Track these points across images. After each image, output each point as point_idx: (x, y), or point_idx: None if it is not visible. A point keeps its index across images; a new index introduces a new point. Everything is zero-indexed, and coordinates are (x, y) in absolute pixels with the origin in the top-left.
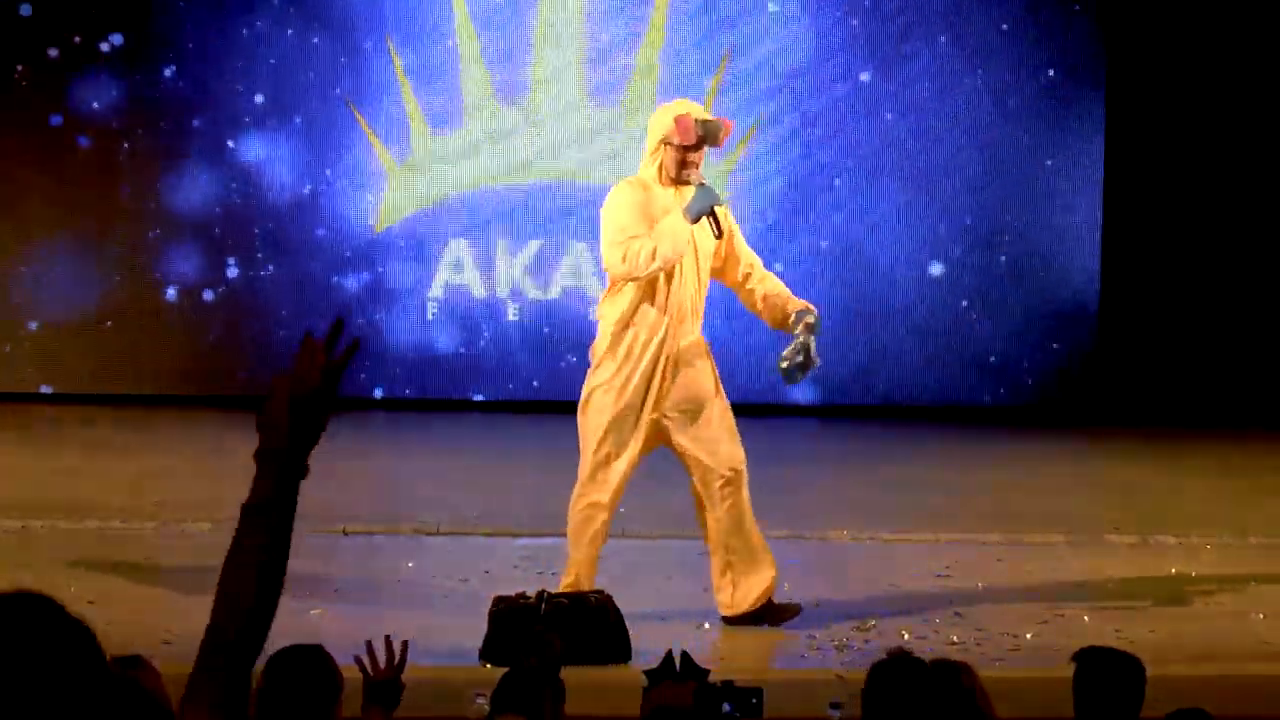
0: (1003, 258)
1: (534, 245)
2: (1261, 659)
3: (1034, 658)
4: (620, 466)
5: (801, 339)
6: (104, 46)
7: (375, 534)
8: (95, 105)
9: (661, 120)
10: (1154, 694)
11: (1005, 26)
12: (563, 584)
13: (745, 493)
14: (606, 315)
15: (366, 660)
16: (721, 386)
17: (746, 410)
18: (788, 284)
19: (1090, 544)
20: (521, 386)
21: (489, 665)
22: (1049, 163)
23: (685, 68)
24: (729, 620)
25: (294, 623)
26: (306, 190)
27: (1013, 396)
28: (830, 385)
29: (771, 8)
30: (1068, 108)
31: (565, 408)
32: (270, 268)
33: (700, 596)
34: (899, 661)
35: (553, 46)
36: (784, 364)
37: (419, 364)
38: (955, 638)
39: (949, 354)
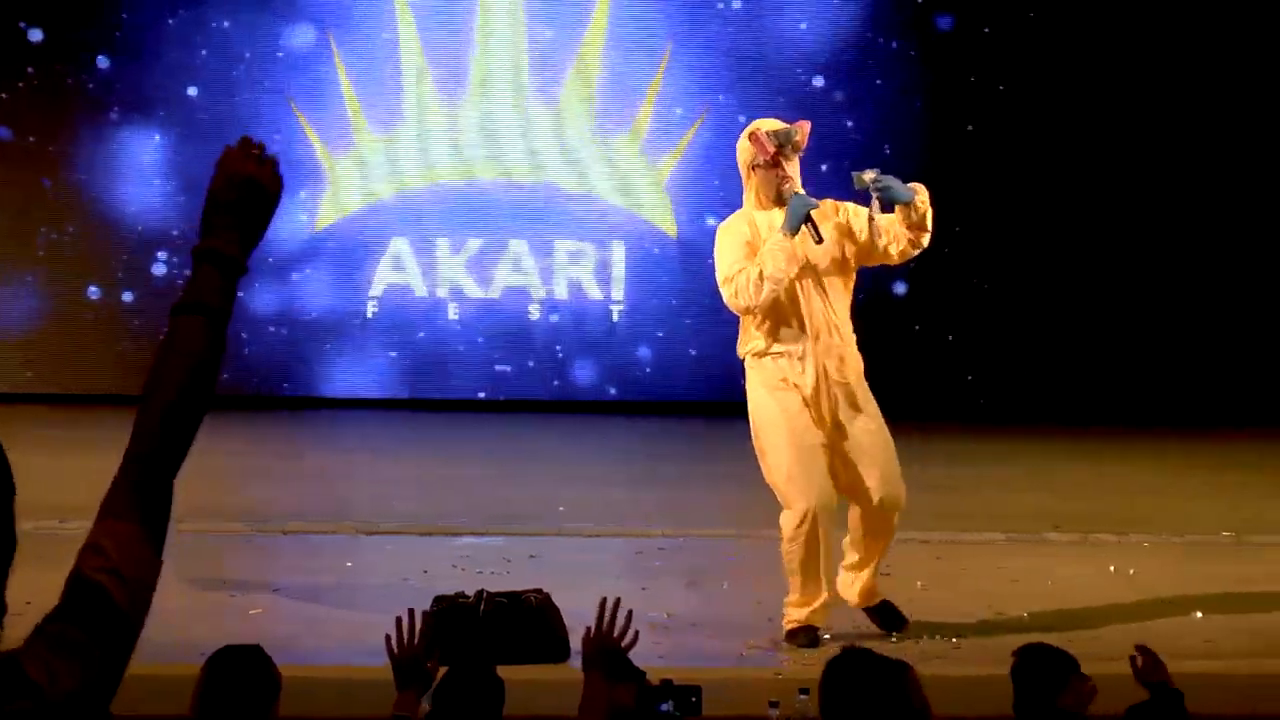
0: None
1: (475, 244)
2: (1200, 656)
3: (974, 656)
4: (820, 480)
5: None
6: (33, 36)
7: (315, 533)
8: (15, 97)
9: (742, 146)
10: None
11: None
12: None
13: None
14: (745, 349)
15: (394, 642)
16: (871, 405)
17: (695, 409)
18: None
19: (1030, 542)
20: (462, 385)
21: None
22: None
23: (627, 64)
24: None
25: (233, 622)
26: None
27: (957, 396)
28: None
29: (720, 5)
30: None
31: (505, 406)
32: None
33: (640, 595)
34: (853, 655)
35: (493, 43)
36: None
37: (359, 363)
38: (895, 637)
39: (890, 352)
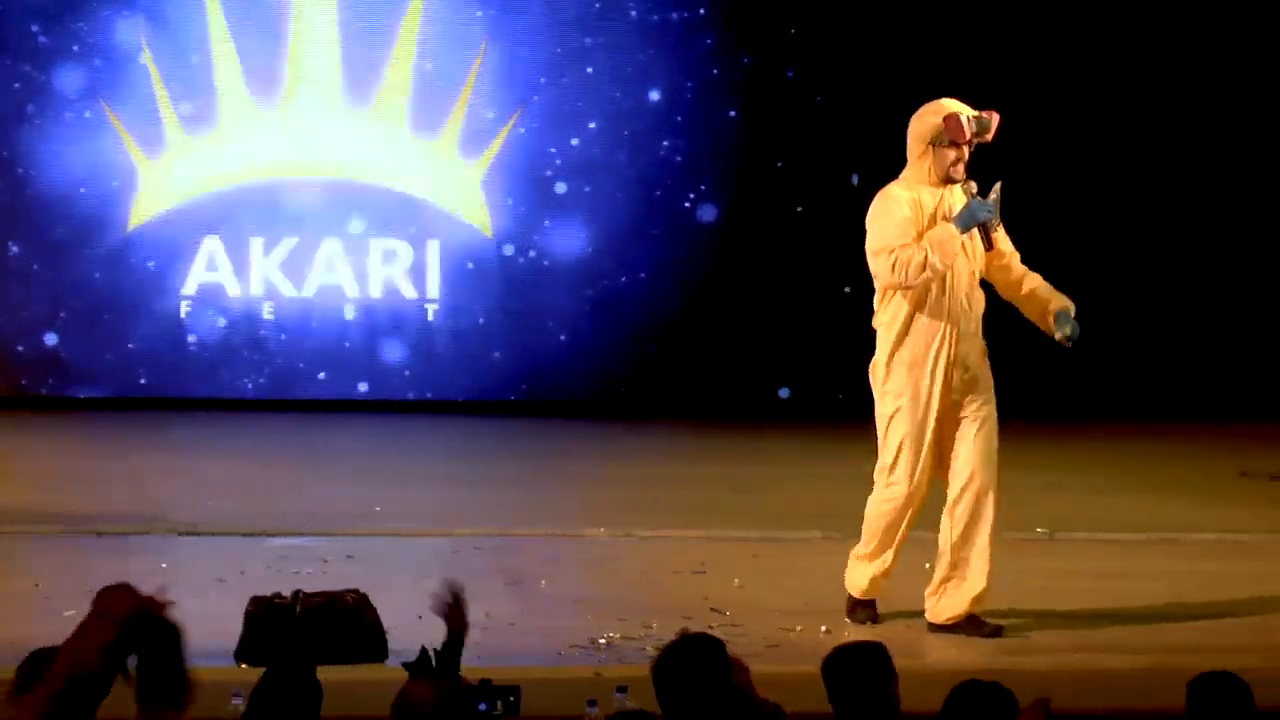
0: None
1: (289, 243)
2: (1006, 654)
3: (792, 654)
4: (922, 464)
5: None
6: None
7: (129, 535)
8: None
9: (928, 122)
10: (907, 686)
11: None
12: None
13: (987, 504)
14: (884, 324)
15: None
16: (990, 388)
17: (511, 408)
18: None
19: (846, 539)
20: (276, 385)
21: (245, 665)
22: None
23: (441, 60)
24: (931, 627)
25: (48, 625)
26: (56, 187)
27: (765, 393)
28: (601, 382)
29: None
30: None
31: (319, 406)
32: (35, 265)
33: None
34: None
35: (307, 40)
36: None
37: (172, 362)
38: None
39: (723, 352)
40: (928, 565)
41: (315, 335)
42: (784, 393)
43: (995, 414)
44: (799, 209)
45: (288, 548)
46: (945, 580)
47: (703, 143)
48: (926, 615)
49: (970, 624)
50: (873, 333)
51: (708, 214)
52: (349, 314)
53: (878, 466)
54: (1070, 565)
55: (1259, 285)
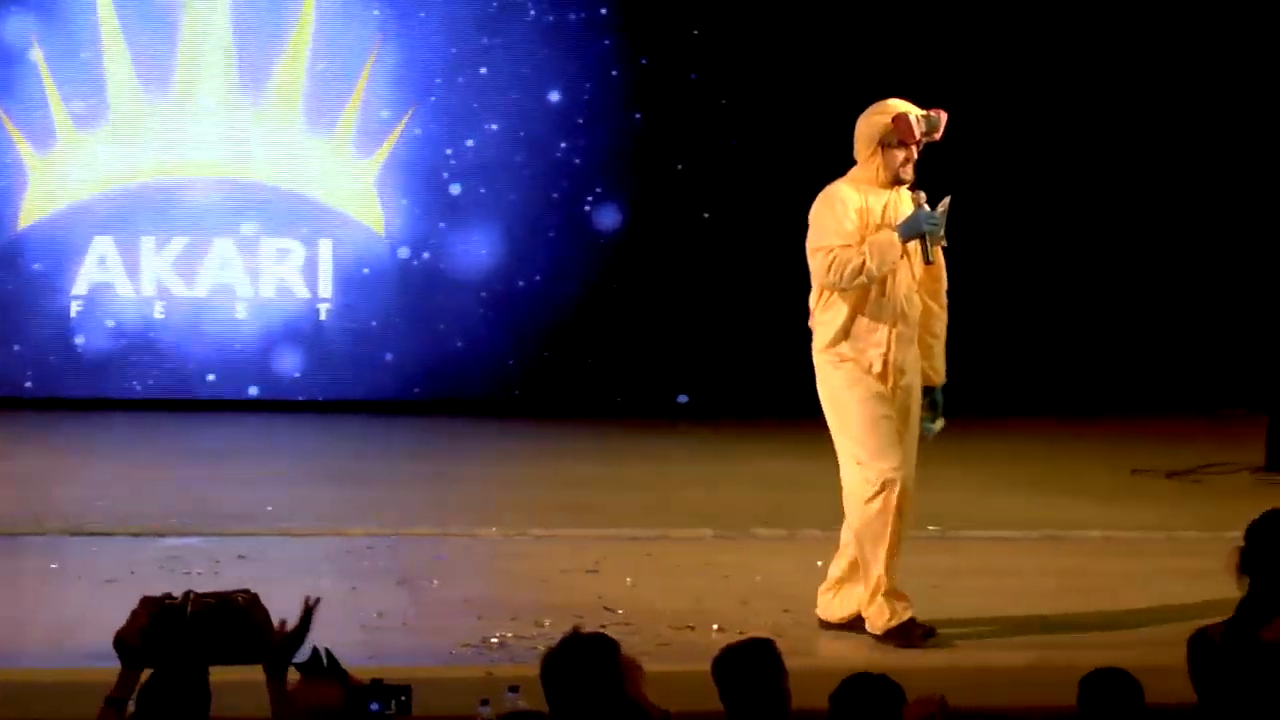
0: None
1: (181, 242)
2: (898, 651)
3: (684, 653)
4: (898, 441)
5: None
6: None
7: (19, 535)
8: None
9: (876, 123)
10: (800, 684)
11: None
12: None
13: (902, 510)
14: (824, 323)
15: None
16: (919, 394)
17: (402, 407)
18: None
19: (738, 538)
20: (168, 384)
21: None
22: None
23: (336, 59)
24: (822, 624)
25: None
26: None
27: (663, 397)
28: (495, 383)
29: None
30: None
31: (211, 405)
32: None
33: (350, 595)
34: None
35: (199, 38)
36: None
37: (62, 362)
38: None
39: (620, 355)
40: (820, 563)
41: (207, 335)
42: (682, 399)
43: (919, 424)
44: (705, 215)
45: (179, 548)
46: (842, 580)
47: (601, 144)
48: (818, 612)
49: (862, 623)
50: (782, 337)
51: (606, 216)
52: (241, 313)
53: (848, 464)
54: (961, 563)
55: (1154, 281)
